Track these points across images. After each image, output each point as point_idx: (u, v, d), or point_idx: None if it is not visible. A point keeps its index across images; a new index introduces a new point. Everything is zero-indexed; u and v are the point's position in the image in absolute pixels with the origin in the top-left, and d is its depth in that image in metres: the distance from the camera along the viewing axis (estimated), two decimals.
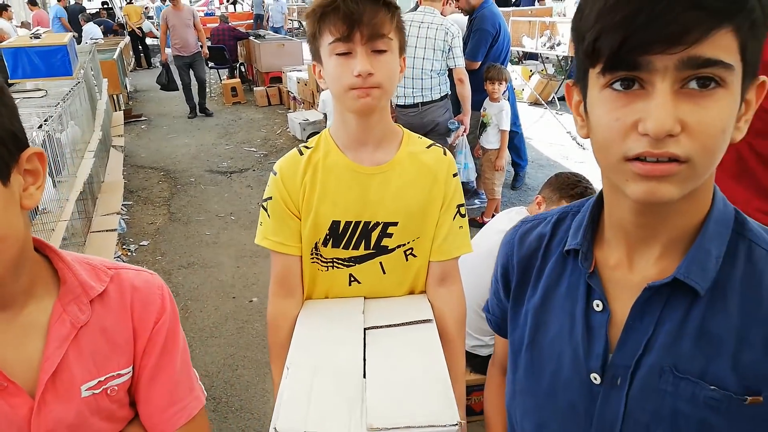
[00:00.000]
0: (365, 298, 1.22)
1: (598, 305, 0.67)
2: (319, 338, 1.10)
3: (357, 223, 1.16)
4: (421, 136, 1.23)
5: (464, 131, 3.70)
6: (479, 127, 3.88)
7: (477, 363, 2.06)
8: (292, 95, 7.48)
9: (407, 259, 1.20)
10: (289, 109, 7.65)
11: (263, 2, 14.90)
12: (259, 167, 5.55)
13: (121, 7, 14.51)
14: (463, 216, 1.21)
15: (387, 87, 1.05)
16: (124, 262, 2.99)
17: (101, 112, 4.74)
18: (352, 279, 1.21)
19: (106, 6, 13.99)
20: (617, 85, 0.55)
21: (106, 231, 3.34)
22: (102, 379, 0.75)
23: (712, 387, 0.60)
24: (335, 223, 1.16)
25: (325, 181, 1.14)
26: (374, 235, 1.17)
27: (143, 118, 7.73)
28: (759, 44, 0.54)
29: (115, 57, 7.65)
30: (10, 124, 0.64)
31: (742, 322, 0.60)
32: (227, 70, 9.65)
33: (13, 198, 0.64)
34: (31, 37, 4.06)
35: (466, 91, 3.56)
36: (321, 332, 1.12)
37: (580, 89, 0.63)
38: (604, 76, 0.55)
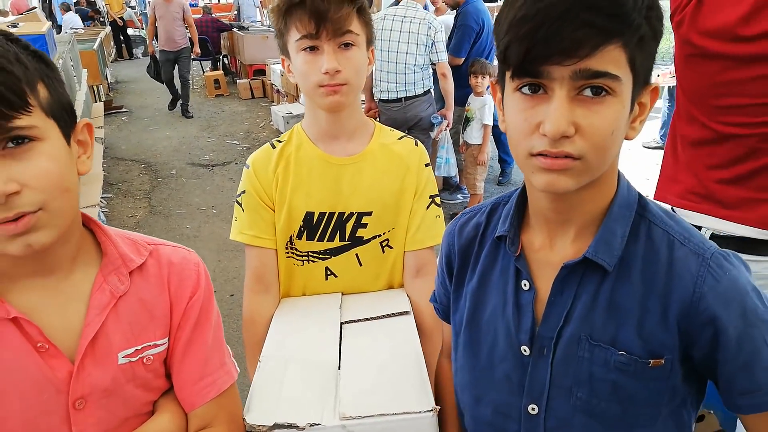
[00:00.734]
0: (342, 294, 1.22)
1: (525, 284, 0.75)
2: (294, 332, 1.10)
3: (331, 214, 1.16)
4: (392, 128, 1.24)
5: (447, 126, 3.71)
6: (463, 122, 3.89)
7: None
8: (275, 88, 7.42)
9: (383, 251, 1.20)
10: (273, 102, 7.60)
11: None
12: (242, 160, 5.51)
13: None
14: (438, 206, 1.22)
15: (354, 83, 1.07)
16: None
17: (80, 103, 4.65)
18: (329, 272, 1.21)
19: None
20: (525, 90, 0.62)
21: None
22: (139, 347, 0.78)
23: (621, 352, 0.68)
24: (309, 215, 1.16)
25: (298, 173, 1.14)
26: (349, 225, 1.17)
27: (124, 110, 7.62)
28: (648, 57, 0.62)
29: (95, 47, 7.51)
30: (67, 96, 0.70)
31: (643, 293, 0.68)
32: (210, 62, 9.54)
33: (73, 160, 0.70)
34: (8, 26, 3.98)
35: (449, 86, 3.57)
36: (296, 327, 1.12)
37: (500, 88, 0.70)
38: (513, 80, 0.63)
